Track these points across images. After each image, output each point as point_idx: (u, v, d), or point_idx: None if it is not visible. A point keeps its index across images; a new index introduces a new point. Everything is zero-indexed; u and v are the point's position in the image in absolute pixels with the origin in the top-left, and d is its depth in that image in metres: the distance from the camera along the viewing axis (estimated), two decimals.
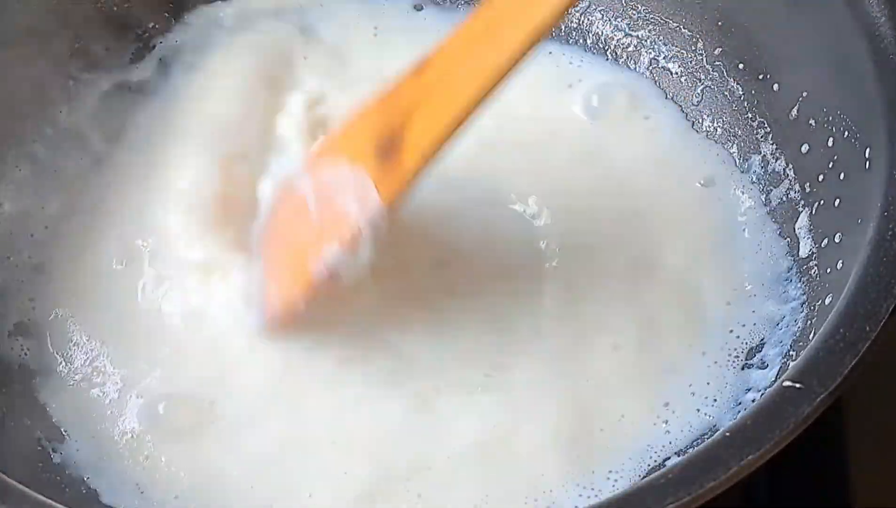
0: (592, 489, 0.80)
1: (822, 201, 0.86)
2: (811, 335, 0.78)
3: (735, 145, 0.95)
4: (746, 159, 0.94)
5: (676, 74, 0.99)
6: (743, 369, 0.85)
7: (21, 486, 0.69)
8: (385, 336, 0.86)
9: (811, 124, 0.87)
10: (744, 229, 0.92)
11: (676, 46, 0.99)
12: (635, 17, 1.01)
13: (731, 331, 0.86)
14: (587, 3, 1.03)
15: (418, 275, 0.89)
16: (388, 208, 0.80)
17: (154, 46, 1.01)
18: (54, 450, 0.82)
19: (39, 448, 0.82)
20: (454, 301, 0.88)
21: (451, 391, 0.84)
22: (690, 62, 0.98)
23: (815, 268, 0.84)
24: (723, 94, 0.96)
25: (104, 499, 0.81)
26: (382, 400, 0.84)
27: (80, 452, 0.83)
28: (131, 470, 0.82)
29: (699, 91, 0.98)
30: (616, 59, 1.01)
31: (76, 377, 0.86)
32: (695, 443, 0.81)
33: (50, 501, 0.68)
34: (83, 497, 0.80)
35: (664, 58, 1.00)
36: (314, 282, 0.83)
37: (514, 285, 0.89)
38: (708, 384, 0.84)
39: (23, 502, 0.68)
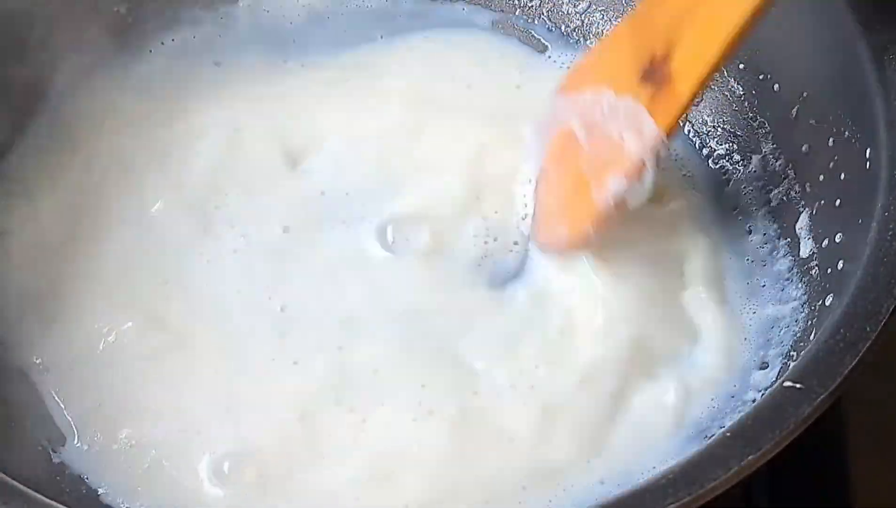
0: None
1: (822, 201, 0.86)
2: (811, 335, 0.78)
3: (735, 145, 0.95)
4: (747, 159, 0.94)
5: None
6: (743, 369, 0.85)
7: (21, 486, 0.69)
8: None
9: (811, 124, 0.87)
10: (744, 229, 0.92)
11: None
12: None
13: (731, 331, 0.86)
14: (587, 4, 1.03)
15: None
16: (666, 135, 0.81)
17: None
18: (54, 450, 0.82)
19: (40, 448, 0.82)
20: None
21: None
22: None
23: (816, 268, 0.84)
24: (723, 94, 0.96)
25: (104, 499, 0.81)
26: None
27: (81, 452, 0.82)
28: (133, 471, 0.81)
29: None
30: None
31: (77, 377, 0.86)
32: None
33: (50, 501, 0.68)
34: (83, 497, 0.80)
35: None
36: (602, 211, 0.84)
37: None
38: (708, 384, 0.84)
39: (23, 502, 0.68)
